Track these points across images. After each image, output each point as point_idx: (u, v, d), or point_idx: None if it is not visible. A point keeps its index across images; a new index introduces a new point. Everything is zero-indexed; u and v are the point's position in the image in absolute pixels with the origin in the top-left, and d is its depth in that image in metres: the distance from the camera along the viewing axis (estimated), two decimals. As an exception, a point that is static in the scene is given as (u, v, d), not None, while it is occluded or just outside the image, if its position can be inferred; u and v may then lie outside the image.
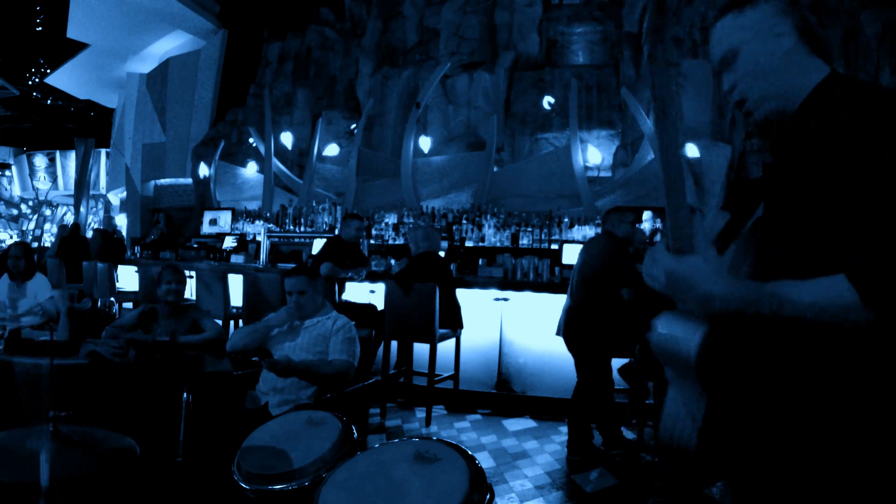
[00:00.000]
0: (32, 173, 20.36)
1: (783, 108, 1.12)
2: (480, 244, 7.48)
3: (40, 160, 20.26)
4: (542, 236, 7.31)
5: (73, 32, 13.09)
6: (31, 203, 21.42)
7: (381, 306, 4.82)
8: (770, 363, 1.06)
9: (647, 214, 6.91)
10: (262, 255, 6.63)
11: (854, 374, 0.97)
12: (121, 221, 14.24)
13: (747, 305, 0.97)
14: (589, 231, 7.20)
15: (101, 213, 18.14)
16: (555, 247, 6.83)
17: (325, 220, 8.94)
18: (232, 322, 5.80)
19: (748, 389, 1.09)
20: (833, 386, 0.99)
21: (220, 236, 8.75)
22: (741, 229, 1.15)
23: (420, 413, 4.62)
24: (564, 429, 4.09)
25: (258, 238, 7.50)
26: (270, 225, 9.06)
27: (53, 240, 11.24)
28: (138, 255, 8.59)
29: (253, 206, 10.45)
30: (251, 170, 11.04)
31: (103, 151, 18.20)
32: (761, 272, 1.05)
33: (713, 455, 1.10)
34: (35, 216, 21.35)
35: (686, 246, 1.03)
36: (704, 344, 1.03)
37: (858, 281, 0.89)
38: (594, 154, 8.33)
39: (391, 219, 8.33)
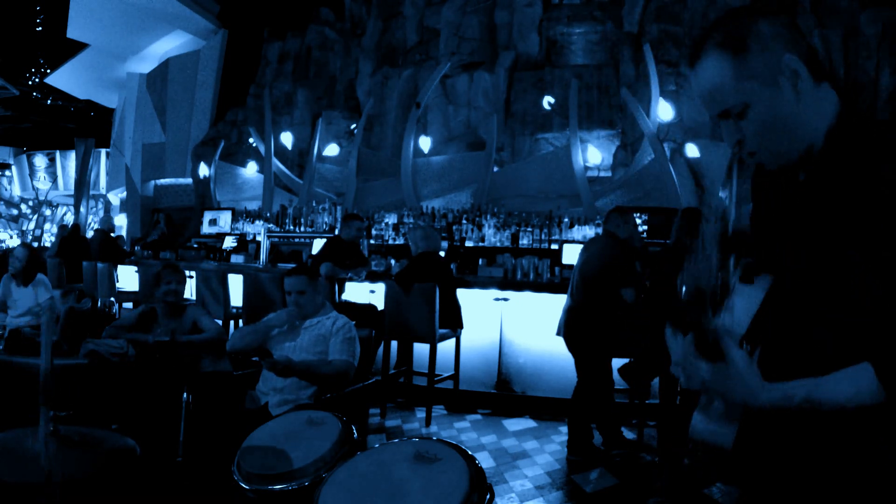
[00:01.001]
0: (32, 173, 20.37)
1: (802, 151, 1.01)
2: (480, 244, 7.48)
3: (40, 160, 20.27)
4: (542, 236, 7.31)
5: (73, 32, 13.09)
6: (31, 203, 21.43)
7: (381, 306, 4.82)
8: (801, 448, 1.04)
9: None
10: (262, 255, 6.63)
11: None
12: (121, 221, 14.25)
13: (784, 405, 0.93)
14: (589, 231, 7.20)
15: (102, 213, 18.14)
16: (555, 247, 6.83)
17: (325, 220, 8.94)
18: (232, 322, 5.80)
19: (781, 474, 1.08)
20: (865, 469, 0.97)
21: (220, 236, 8.76)
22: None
23: (420, 413, 4.62)
24: (564, 429, 4.09)
25: (258, 238, 7.50)
26: (270, 225, 9.06)
27: (53, 240, 11.24)
28: (139, 256, 8.59)
29: (253, 206, 10.46)
30: (251, 170, 11.04)
31: (103, 151, 18.20)
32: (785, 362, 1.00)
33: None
34: (35, 216, 21.35)
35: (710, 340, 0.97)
36: (739, 439, 1.02)
37: (885, 374, 0.86)
38: (594, 154, 8.33)
39: (391, 219, 8.33)
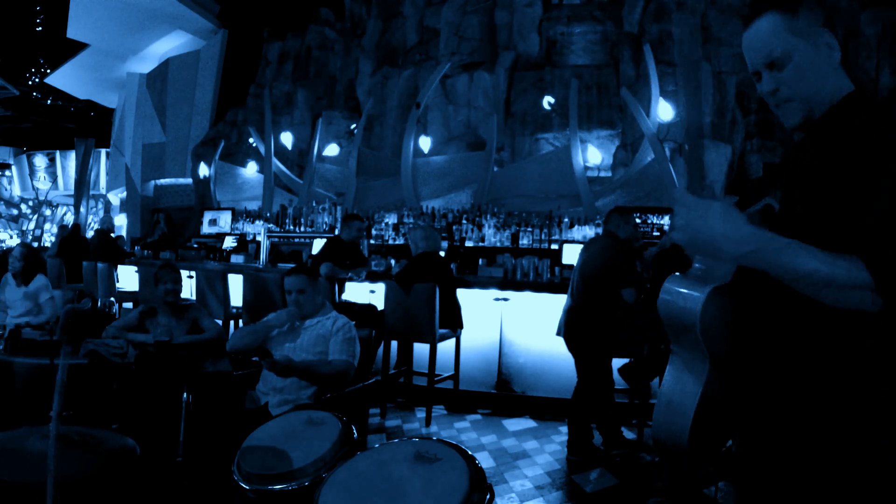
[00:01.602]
0: (32, 173, 20.37)
1: (816, 109, 1.17)
2: (480, 244, 7.48)
3: (40, 160, 20.27)
4: (542, 236, 7.31)
5: (73, 32, 13.09)
6: (31, 203, 21.43)
7: (381, 306, 4.82)
8: (778, 343, 1.09)
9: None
10: (262, 255, 6.63)
11: (864, 365, 1.00)
12: (121, 221, 14.25)
13: (764, 250, 0.99)
14: (589, 231, 7.20)
15: (102, 212, 18.14)
16: (555, 247, 6.84)
17: (325, 220, 8.94)
18: (232, 322, 5.80)
19: (751, 363, 1.10)
20: (842, 374, 1.01)
21: (220, 236, 8.76)
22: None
23: (420, 413, 4.62)
24: (564, 429, 4.09)
25: (258, 238, 7.50)
26: (270, 225, 9.06)
27: (53, 240, 11.24)
28: (139, 256, 8.59)
29: (253, 206, 10.46)
30: (251, 170, 11.04)
31: (103, 151, 18.20)
32: None
33: (705, 450, 1.11)
34: (35, 216, 21.36)
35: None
36: (710, 299, 1.05)
37: (874, 265, 0.93)
38: (594, 154, 8.33)
39: (391, 219, 8.33)
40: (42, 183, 20.31)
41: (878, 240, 0.94)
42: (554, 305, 4.24)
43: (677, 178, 7.35)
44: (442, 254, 5.52)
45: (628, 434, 4.09)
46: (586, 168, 8.14)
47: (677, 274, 1.17)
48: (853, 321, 1.00)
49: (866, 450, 0.99)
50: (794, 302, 1.05)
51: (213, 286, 5.71)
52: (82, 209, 16.93)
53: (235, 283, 5.65)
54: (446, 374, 4.64)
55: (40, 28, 18.73)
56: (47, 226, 21.31)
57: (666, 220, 6.98)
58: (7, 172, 21.61)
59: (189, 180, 12.03)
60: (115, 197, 16.04)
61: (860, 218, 0.98)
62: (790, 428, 1.06)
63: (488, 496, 1.52)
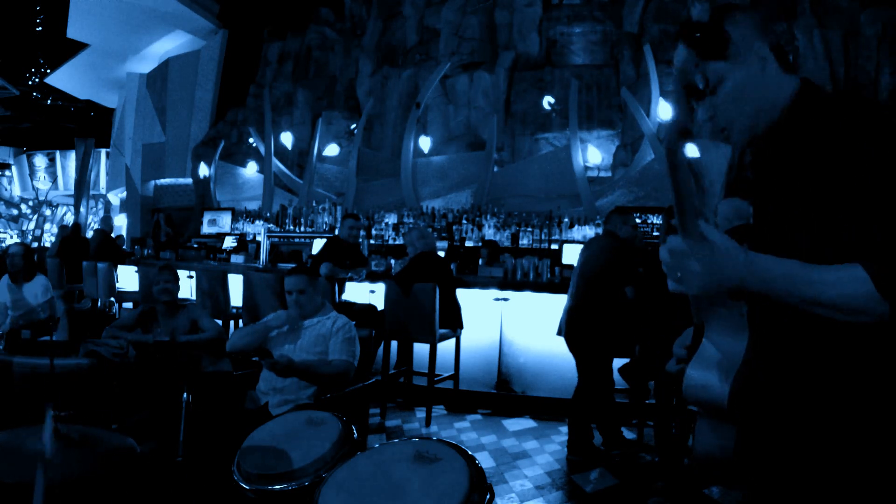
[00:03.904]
0: (32, 173, 20.37)
1: (761, 124, 1.14)
2: (480, 244, 7.48)
3: (40, 160, 20.27)
4: (542, 236, 7.31)
5: (73, 32, 13.10)
6: (31, 203, 21.44)
7: (381, 306, 4.82)
8: (802, 401, 1.05)
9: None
10: (262, 255, 6.63)
11: (877, 366, 0.97)
12: (121, 221, 14.25)
13: (778, 282, 0.96)
14: (589, 231, 7.20)
15: (102, 212, 18.15)
16: (555, 247, 6.84)
17: (325, 220, 8.94)
18: (232, 322, 5.79)
19: (779, 418, 1.09)
20: (853, 376, 1.00)
21: (220, 236, 8.75)
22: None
23: (420, 413, 4.62)
24: (564, 429, 4.09)
25: (258, 238, 7.50)
26: (270, 225, 9.07)
27: (53, 240, 11.24)
28: (142, 255, 8.59)
29: (253, 206, 10.46)
30: (251, 170, 11.04)
31: (103, 151, 18.21)
32: None
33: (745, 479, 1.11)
34: (35, 216, 21.36)
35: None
36: (735, 388, 1.04)
37: (874, 272, 0.91)
38: (594, 154, 8.33)
39: (391, 219, 8.33)
40: (42, 183, 20.32)
41: (879, 244, 0.92)
42: (554, 305, 4.24)
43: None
44: (442, 254, 5.52)
45: (628, 434, 4.09)
46: (586, 168, 8.15)
47: (696, 359, 1.15)
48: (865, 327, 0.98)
49: (877, 454, 0.98)
50: (812, 343, 1.02)
51: (213, 286, 5.71)
52: (82, 209, 16.93)
53: (235, 283, 5.65)
54: (446, 374, 4.64)
55: (40, 28, 18.75)
56: (47, 226, 21.32)
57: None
58: (7, 172, 21.62)
59: (189, 180, 12.04)
60: (115, 197, 16.04)
61: (846, 223, 0.96)
62: (799, 431, 1.06)
63: (488, 496, 1.51)
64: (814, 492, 1.04)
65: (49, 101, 21.02)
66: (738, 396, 1.12)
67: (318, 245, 6.65)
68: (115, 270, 7.02)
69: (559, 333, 3.90)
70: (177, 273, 3.72)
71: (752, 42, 1.10)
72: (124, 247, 10.27)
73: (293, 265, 4.62)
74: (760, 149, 1.16)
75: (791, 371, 1.07)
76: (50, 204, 21.28)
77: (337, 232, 5.77)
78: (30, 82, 20.08)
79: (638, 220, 6.80)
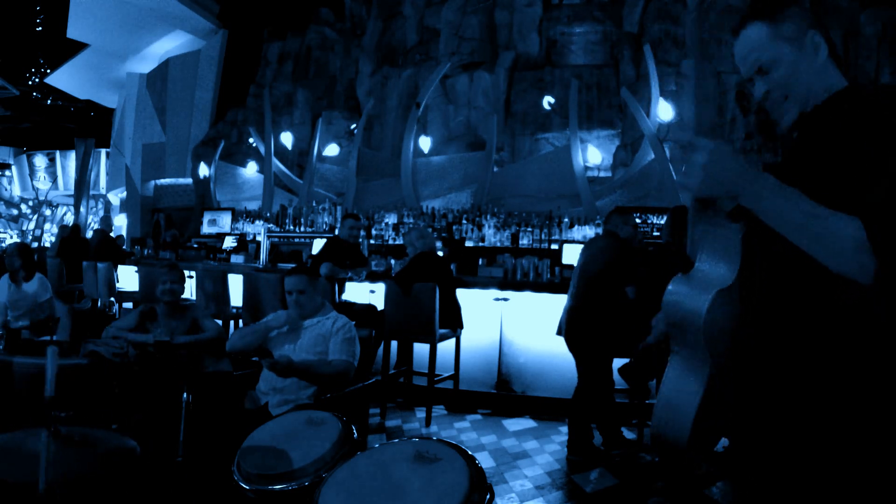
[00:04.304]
0: (32, 173, 20.38)
1: (811, 103, 1.21)
2: (480, 244, 7.48)
3: (40, 160, 20.27)
4: (542, 236, 7.31)
5: (73, 32, 13.10)
6: (31, 203, 21.44)
7: (381, 306, 4.82)
8: (784, 343, 1.09)
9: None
10: (262, 255, 6.63)
11: (871, 365, 1.00)
12: (120, 221, 14.25)
13: (773, 187, 1.02)
14: (589, 231, 7.20)
15: (102, 212, 18.15)
16: (555, 247, 6.84)
17: (325, 220, 8.94)
18: (232, 322, 5.79)
19: (754, 361, 1.10)
20: (848, 374, 1.02)
21: (220, 236, 8.75)
22: None
23: (420, 413, 4.62)
24: (564, 429, 4.09)
25: (258, 238, 7.50)
26: (270, 225, 9.06)
27: (53, 240, 11.24)
28: (142, 255, 8.59)
29: (253, 206, 10.46)
30: (251, 170, 11.04)
31: (103, 151, 18.21)
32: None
33: (704, 448, 1.11)
34: (35, 216, 21.37)
35: None
36: (715, 301, 1.06)
37: (871, 224, 0.95)
38: (594, 154, 8.33)
39: (391, 219, 8.33)
40: (42, 183, 20.32)
41: (877, 208, 0.96)
42: (554, 305, 4.24)
43: (677, 177, 7.35)
44: (442, 254, 5.52)
45: (628, 434, 4.09)
46: (586, 168, 8.14)
47: (681, 275, 1.17)
48: (860, 319, 1.00)
49: (870, 450, 0.99)
50: (801, 301, 1.05)
51: (213, 286, 5.71)
52: (82, 209, 16.93)
53: (235, 283, 5.65)
54: (446, 374, 4.64)
55: (40, 28, 18.75)
56: (47, 226, 21.32)
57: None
58: (7, 172, 21.62)
59: (189, 180, 12.04)
60: (115, 197, 16.05)
61: (858, 201, 0.99)
62: (794, 427, 1.06)
63: (488, 496, 1.52)
64: (806, 481, 1.04)
65: (49, 101, 21.03)
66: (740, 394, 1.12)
67: (318, 245, 6.65)
68: (115, 270, 7.02)
69: (559, 333, 3.90)
70: (183, 274, 3.72)
71: (806, 30, 1.19)
72: (124, 247, 10.27)
73: (293, 265, 4.62)
74: (797, 138, 1.21)
75: (784, 356, 1.08)
76: (50, 204, 21.29)
77: (337, 232, 5.78)
78: (30, 82, 20.08)
79: (638, 220, 6.80)
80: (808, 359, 1.05)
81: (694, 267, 1.18)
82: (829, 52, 1.19)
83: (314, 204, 9.17)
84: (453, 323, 4.58)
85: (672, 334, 1.17)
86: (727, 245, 1.13)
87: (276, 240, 8.50)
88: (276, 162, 10.29)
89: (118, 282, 7.06)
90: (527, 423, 4.44)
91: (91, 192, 18.13)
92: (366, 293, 5.33)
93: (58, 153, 19.99)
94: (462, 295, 4.77)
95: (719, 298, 1.08)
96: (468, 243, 7.39)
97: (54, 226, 20.55)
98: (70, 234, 8.98)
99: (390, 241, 8.05)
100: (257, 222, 9.37)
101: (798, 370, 1.06)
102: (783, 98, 1.21)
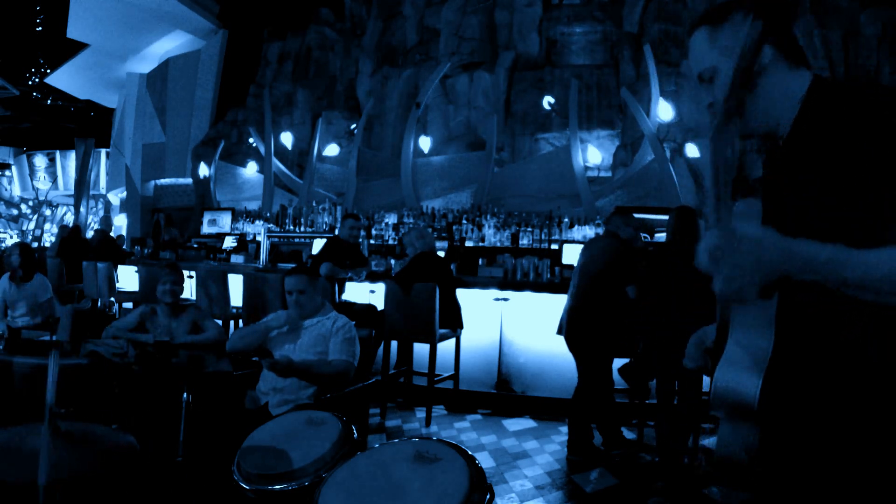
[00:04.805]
0: (32, 173, 20.38)
1: (770, 124, 1.15)
2: (480, 244, 7.48)
3: (40, 160, 20.27)
4: (542, 236, 7.31)
5: (73, 32, 13.10)
6: (31, 203, 21.44)
7: (381, 306, 4.82)
8: (833, 399, 1.03)
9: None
10: (262, 255, 6.63)
11: None
12: (120, 221, 14.25)
13: (822, 267, 0.94)
14: (589, 231, 7.20)
15: (102, 212, 18.15)
16: (555, 247, 6.83)
17: (325, 220, 8.94)
18: (232, 322, 5.79)
19: (808, 422, 1.07)
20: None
21: (220, 236, 8.75)
22: None
23: (420, 413, 4.62)
24: (564, 429, 4.09)
25: (258, 238, 7.50)
26: (270, 225, 9.06)
27: (53, 240, 11.24)
28: (142, 255, 8.59)
29: (253, 206, 10.46)
30: (251, 170, 11.04)
31: (103, 151, 18.21)
32: None
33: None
34: (35, 216, 21.37)
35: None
36: (766, 389, 1.01)
37: None
38: (594, 154, 8.33)
39: (391, 219, 8.33)
40: (42, 183, 20.32)
41: None
42: (554, 305, 4.24)
43: (677, 177, 7.35)
44: (442, 254, 5.51)
45: (628, 434, 4.09)
46: (586, 168, 8.15)
47: (724, 363, 1.12)
48: None
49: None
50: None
51: (213, 286, 5.71)
52: (82, 209, 16.93)
53: (235, 283, 5.65)
54: (446, 374, 4.64)
55: (40, 28, 18.74)
56: (47, 226, 21.32)
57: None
58: (7, 172, 21.62)
59: (189, 180, 12.04)
60: (115, 197, 16.04)
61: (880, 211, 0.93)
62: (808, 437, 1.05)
63: (488, 496, 1.52)
64: (838, 494, 1.03)
65: (49, 101, 21.03)
66: (767, 397, 1.09)
67: (318, 245, 6.65)
68: (115, 270, 7.02)
69: (559, 333, 3.90)
70: (182, 274, 3.72)
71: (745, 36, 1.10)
72: (124, 247, 10.27)
73: (293, 265, 4.62)
74: (778, 146, 1.16)
75: (821, 371, 1.05)
76: (50, 204, 21.29)
77: (337, 232, 5.78)
78: (30, 82, 20.08)
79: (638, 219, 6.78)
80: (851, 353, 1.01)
81: (728, 346, 1.09)
82: (785, 55, 1.11)
83: (314, 204, 9.17)
84: (453, 323, 4.58)
85: (720, 411, 1.13)
86: (761, 316, 1.06)
87: (276, 240, 8.50)
88: (276, 162, 10.29)
89: (118, 282, 7.06)
90: (527, 423, 4.44)
91: (91, 192, 18.13)
92: (366, 293, 5.33)
93: (58, 153, 19.99)
94: (462, 295, 4.77)
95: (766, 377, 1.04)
96: (468, 243, 7.40)
97: (54, 226, 20.55)
98: (70, 234, 8.98)
99: (390, 241, 8.05)
100: (257, 222, 9.37)
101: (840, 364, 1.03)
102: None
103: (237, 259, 7.09)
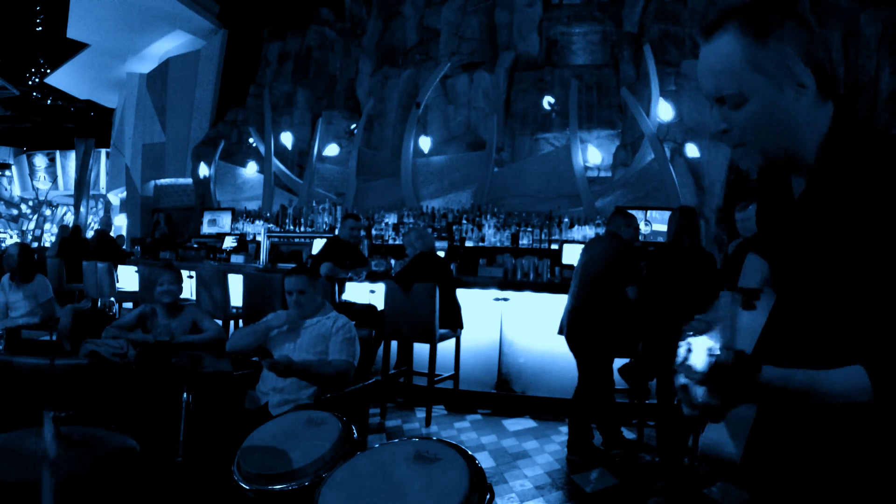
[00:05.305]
0: (32, 173, 20.38)
1: (786, 158, 1.01)
2: (480, 244, 7.48)
3: (40, 160, 20.27)
4: (542, 236, 7.31)
5: (73, 32, 13.09)
6: (31, 203, 21.43)
7: (381, 306, 4.82)
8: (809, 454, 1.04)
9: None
10: (262, 255, 6.63)
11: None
12: (120, 221, 14.25)
13: (790, 395, 0.94)
14: (589, 231, 7.20)
15: (102, 212, 18.15)
16: (555, 247, 6.83)
17: (325, 220, 8.94)
18: (232, 322, 5.79)
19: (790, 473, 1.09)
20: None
21: (220, 236, 8.75)
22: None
23: (420, 413, 4.62)
24: (564, 429, 4.09)
25: (258, 238, 7.50)
26: (270, 225, 9.06)
27: (53, 240, 11.24)
28: (142, 255, 8.60)
29: (253, 206, 10.45)
30: (251, 170, 11.03)
31: (103, 151, 18.21)
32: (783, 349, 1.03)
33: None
34: (35, 216, 21.36)
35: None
36: (748, 449, 1.05)
37: (875, 375, 0.88)
38: (594, 154, 8.33)
39: (391, 219, 8.32)
40: (42, 183, 20.32)
41: (880, 342, 0.88)
42: (554, 305, 4.24)
43: (677, 177, 7.35)
44: (442, 254, 5.52)
45: (628, 434, 4.09)
46: (586, 168, 8.14)
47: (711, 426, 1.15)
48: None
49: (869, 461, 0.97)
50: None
51: (213, 286, 5.71)
52: (82, 209, 16.93)
53: (235, 283, 5.65)
54: (446, 374, 4.64)
55: (40, 28, 18.73)
56: (47, 226, 21.32)
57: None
58: (7, 172, 21.61)
59: (189, 180, 12.03)
60: (115, 197, 16.04)
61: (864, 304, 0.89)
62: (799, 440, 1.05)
63: (488, 496, 1.52)
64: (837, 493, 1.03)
65: (49, 101, 21.00)
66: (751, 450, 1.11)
67: (318, 245, 6.65)
68: (115, 270, 7.02)
69: (560, 332, 3.90)
70: (180, 274, 3.72)
71: (795, 62, 0.93)
72: (124, 247, 10.26)
73: (293, 265, 4.62)
74: (783, 185, 1.07)
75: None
76: (50, 204, 21.28)
77: (337, 232, 5.78)
78: (30, 82, 20.05)
79: (639, 215, 6.78)
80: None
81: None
82: (819, 87, 0.95)
83: (314, 204, 9.17)
84: (453, 323, 4.58)
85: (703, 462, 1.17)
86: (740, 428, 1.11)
87: (276, 240, 8.50)
88: (276, 162, 10.29)
89: (118, 282, 7.06)
90: (527, 423, 4.44)
91: (91, 192, 18.13)
92: (366, 293, 5.33)
93: (58, 153, 19.98)
94: (462, 295, 4.77)
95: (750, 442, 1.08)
96: (468, 243, 7.39)
97: (54, 226, 20.54)
98: (70, 235, 8.98)
99: (390, 241, 8.05)
100: (257, 222, 9.37)
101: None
102: (739, 144, 1.05)
103: (237, 259, 7.09)
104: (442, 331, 4.46)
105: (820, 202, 0.96)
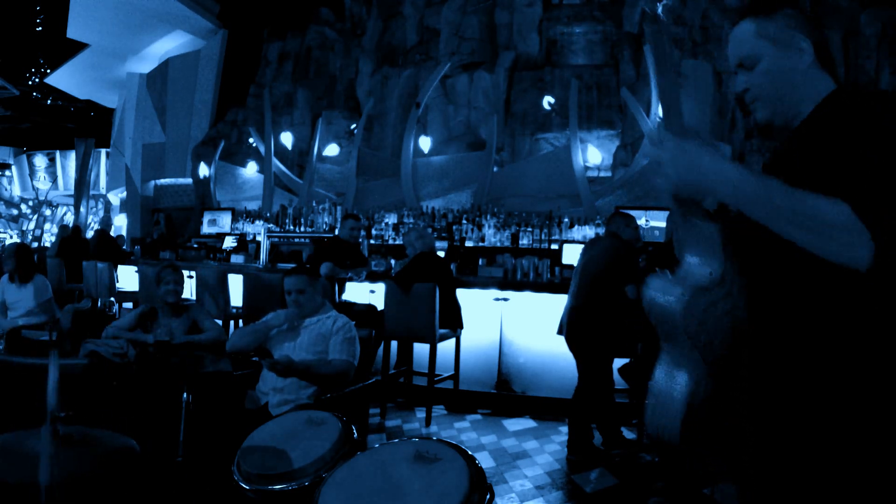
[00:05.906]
0: (32, 173, 20.37)
1: (790, 116, 1.20)
2: (480, 244, 7.48)
3: (40, 160, 20.27)
4: (542, 236, 7.31)
5: (73, 32, 13.09)
6: (31, 203, 21.43)
7: (381, 306, 4.82)
8: (774, 334, 1.08)
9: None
10: (262, 255, 6.63)
11: (866, 359, 0.98)
12: (121, 221, 14.25)
13: (751, 184, 1.00)
14: (589, 231, 7.20)
15: (102, 212, 18.15)
16: (555, 247, 6.84)
17: (325, 220, 8.94)
18: (232, 322, 5.79)
19: (742, 353, 1.10)
20: (842, 368, 1.01)
21: (220, 236, 8.75)
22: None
23: (420, 413, 4.62)
24: (564, 429, 4.09)
25: (258, 238, 7.50)
26: (270, 225, 9.06)
27: (53, 240, 11.24)
28: (138, 255, 8.59)
29: (253, 206, 10.46)
30: (251, 170, 11.03)
31: (103, 151, 18.20)
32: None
33: (699, 443, 1.10)
34: (35, 216, 21.36)
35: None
36: (696, 297, 1.05)
37: (862, 207, 0.93)
38: (594, 154, 8.33)
39: (391, 219, 8.33)
40: (42, 183, 20.32)
41: (867, 190, 0.94)
42: (554, 305, 4.24)
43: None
44: (442, 254, 5.52)
45: (628, 434, 4.09)
46: (586, 168, 8.14)
47: (658, 272, 1.19)
48: (854, 310, 0.99)
49: (872, 446, 0.98)
50: (792, 296, 1.06)
51: (213, 286, 5.71)
52: (82, 209, 16.92)
53: (235, 283, 5.65)
54: (446, 374, 4.64)
55: (40, 28, 18.72)
56: (47, 226, 21.31)
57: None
58: (7, 172, 21.61)
59: (189, 180, 12.03)
60: (115, 197, 16.04)
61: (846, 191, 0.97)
62: (792, 423, 1.06)
63: (488, 496, 1.52)
64: (806, 479, 1.04)
65: (49, 101, 21.00)
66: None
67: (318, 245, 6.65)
68: (115, 270, 7.02)
69: (560, 332, 3.90)
70: (182, 273, 3.72)
71: (793, 31, 1.18)
72: (124, 247, 10.26)
73: (293, 265, 4.62)
74: (785, 144, 1.21)
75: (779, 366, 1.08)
76: (50, 204, 21.28)
77: (337, 232, 5.78)
78: (30, 82, 20.04)
79: (639, 218, 6.78)
80: (803, 356, 1.05)
81: (679, 265, 1.18)
82: (818, 59, 1.18)
83: (314, 204, 9.17)
84: (453, 323, 4.58)
85: (658, 329, 1.17)
86: (708, 244, 1.12)
87: (276, 240, 8.50)
88: (276, 162, 10.29)
89: (118, 282, 7.06)
90: (527, 423, 4.44)
91: (91, 192, 18.12)
92: (366, 293, 5.33)
93: (58, 153, 19.97)
94: (462, 295, 4.77)
95: (701, 296, 1.07)
96: (468, 243, 7.40)
97: (54, 226, 20.54)
98: (70, 235, 8.98)
99: (390, 241, 8.05)
100: (257, 222, 9.37)
101: (794, 367, 1.06)
102: (756, 98, 1.23)
103: (237, 259, 7.09)
104: (442, 331, 4.46)
105: (797, 149, 1.13)
